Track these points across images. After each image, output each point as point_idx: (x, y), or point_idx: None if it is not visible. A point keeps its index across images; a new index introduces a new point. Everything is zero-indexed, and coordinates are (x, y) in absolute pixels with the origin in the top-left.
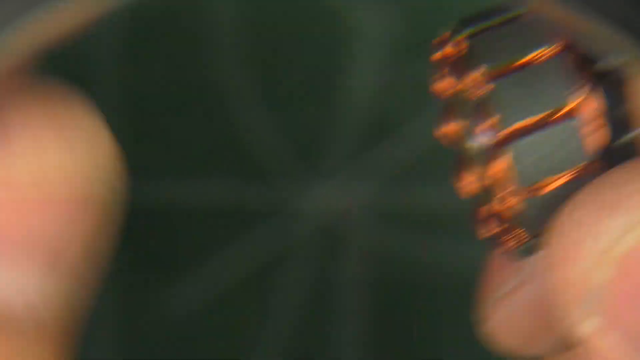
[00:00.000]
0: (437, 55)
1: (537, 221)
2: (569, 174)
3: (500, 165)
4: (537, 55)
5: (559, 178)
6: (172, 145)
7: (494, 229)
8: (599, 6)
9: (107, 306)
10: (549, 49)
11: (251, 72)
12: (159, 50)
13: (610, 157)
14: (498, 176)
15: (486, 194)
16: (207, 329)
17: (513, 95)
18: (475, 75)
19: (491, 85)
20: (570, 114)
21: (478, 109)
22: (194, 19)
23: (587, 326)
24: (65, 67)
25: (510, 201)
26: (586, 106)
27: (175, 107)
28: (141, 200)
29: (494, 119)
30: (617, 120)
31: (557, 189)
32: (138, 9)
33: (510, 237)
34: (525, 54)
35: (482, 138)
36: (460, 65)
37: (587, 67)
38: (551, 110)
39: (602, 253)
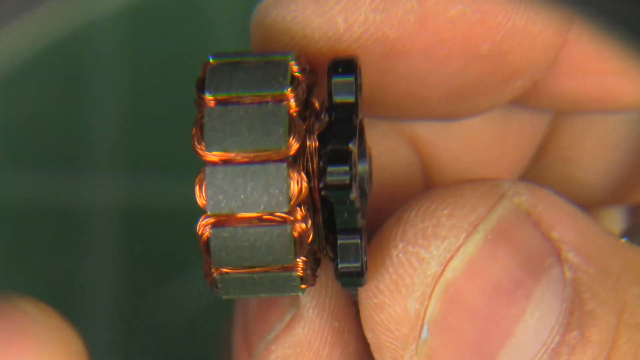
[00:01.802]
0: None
1: (225, 255)
2: (260, 216)
3: (198, 186)
4: (264, 95)
5: (251, 216)
6: (172, 144)
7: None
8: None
9: (107, 306)
10: (279, 94)
11: None
12: (158, 50)
13: (320, 202)
14: (199, 200)
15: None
16: (207, 328)
17: (221, 124)
18: (201, 99)
19: (205, 111)
20: (279, 156)
21: (197, 130)
22: (193, 19)
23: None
24: (66, 66)
25: (202, 229)
26: (299, 149)
27: (175, 106)
28: (140, 201)
29: (200, 143)
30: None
31: (249, 227)
32: (138, 8)
33: (206, 266)
34: (252, 92)
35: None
36: (198, 89)
37: (312, 116)
38: (261, 149)
39: (425, 287)
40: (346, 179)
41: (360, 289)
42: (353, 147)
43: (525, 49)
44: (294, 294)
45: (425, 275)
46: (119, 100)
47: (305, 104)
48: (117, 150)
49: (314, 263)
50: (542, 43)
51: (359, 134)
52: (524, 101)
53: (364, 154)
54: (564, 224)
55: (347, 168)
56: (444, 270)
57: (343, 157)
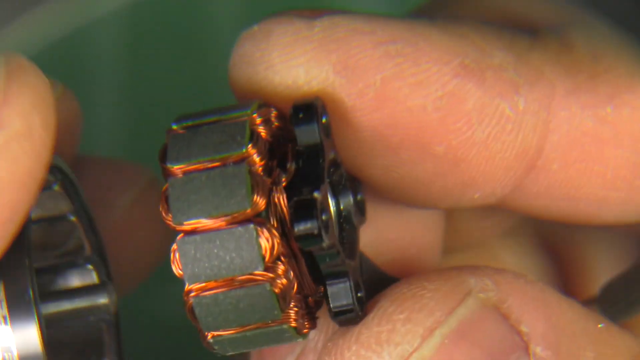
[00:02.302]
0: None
1: (212, 320)
2: (235, 281)
3: (172, 259)
4: (223, 159)
5: (223, 284)
6: None
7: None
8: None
9: None
10: (238, 154)
11: None
12: (158, 50)
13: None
14: (175, 271)
15: None
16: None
17: (185, 193)
18: (164, 169)
19: (169, 182)
20: (247, 218)
21: (163, 201)
22: (193, 19)
23: None
24: (65, 66)
25: (185, 297)
26: (268, 211)
27: (175, 106)
28: None
29: (167, 214)
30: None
31: (229, 290)
32: (138, 8)
33: (200, 331)
34: (212, 157)
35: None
36: (161, 159)
37: (279, 166)
38: (227, 212)
39: None
40: (314, 230)
41: None
42: (318, 194)
43: (482, 163)
44: (293, 341)
45: None
46: (119, 100)
47: (272, 154)
48: (118, 150)
49: (310, 307)
50: (503, 162)
51: (336, 170)
52: (498, 205)
53: (346, 189)
54: (534, 315)
55: (313, 220)
56: None
57: (308, 209)
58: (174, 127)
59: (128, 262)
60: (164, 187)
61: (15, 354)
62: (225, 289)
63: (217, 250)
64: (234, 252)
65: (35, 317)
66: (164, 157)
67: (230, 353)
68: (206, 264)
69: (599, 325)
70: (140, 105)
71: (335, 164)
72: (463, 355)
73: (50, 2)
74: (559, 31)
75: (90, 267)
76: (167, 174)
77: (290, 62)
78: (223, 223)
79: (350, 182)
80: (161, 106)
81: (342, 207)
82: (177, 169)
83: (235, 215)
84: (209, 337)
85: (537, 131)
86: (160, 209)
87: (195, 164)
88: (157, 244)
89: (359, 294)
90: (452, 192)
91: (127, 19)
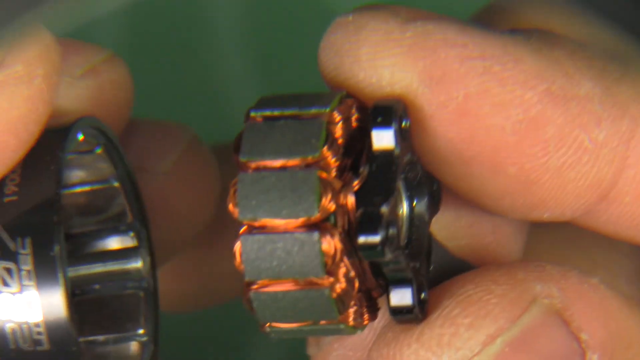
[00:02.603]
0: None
1: (269, 314)
2: (295, 283)
3: (235, 251)
4: (296, 160)
5: (282, 283)
6: None
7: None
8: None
9: None
10: (311, 157)
11: (251, 72)
12: (158, 50)
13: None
14: (236, 263)
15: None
16: (203, 330)
17: (253, 192)
18: (237, 161)
19: (239, 177)
20: (313, 224)
21: (232, 193)
22: (194, 20)
23: None
24: None
25: (244, 289)
26: (336, 212)
27: (176, 105)
28: None
29: (235, 208)
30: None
31: (288, 291)
32: (138, 8)
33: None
34: (285, 157)
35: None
36: (235, 148)
37: (351, 169)
38: (291, 217)
39: None
40: (377, 245)
41: None
42: (386, 208)
43: (554, 189)
44: (351, 335)
45: None
46: None
47: (349, 151)
48: None
49: (372, 299)
50: (575, 190)
51: (412, 169)
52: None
53: (422, 185)
54: (595, 323)
55: (376, 235)
56: None
57: (373, 223)
58: (252, 114)
59: (169, 229)
60: (234, 180)
61: (40, 310)
62: (284, 288)
63: (279, 252)
64: (296, 256)
65: (61, 275)
66: (238, 148)
67: (285, 339)
68: (267, 264)
69: None
70: (140, 104)
71: (412, 163)
72: None
73: (50, 2)
74: None
75: (131, 234)
76: (238, 167)
77: (377, 61)
78: (288, 226)
79: (427, 177)
80: (161, 106)
81: (415, 204)
82: (249, 164)
83: (301, 220)
84: (266, 326)
85: (614, 165)
86: (228, 200)
87: (267, 161)
88: (199, 211)
89: (422, 296)
90: (521, 210)
91: (127, 19)
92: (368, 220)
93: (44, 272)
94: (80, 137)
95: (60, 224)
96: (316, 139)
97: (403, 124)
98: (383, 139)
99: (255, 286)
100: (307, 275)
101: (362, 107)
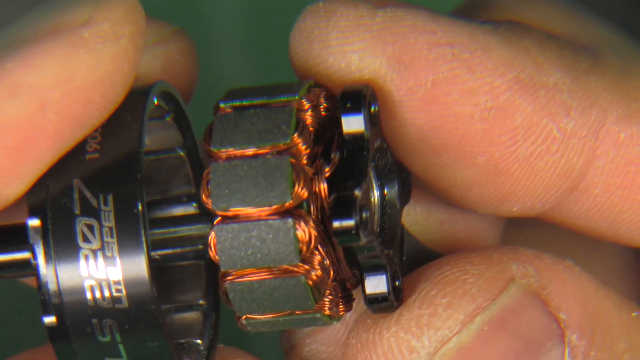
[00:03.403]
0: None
1: (246, 305)
2: (270, 271)
3: (209, 243)
4: (267, 148)
5: (258, 272)
6: None
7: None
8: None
9: None
10: (282, 144)
11: (251, 72)
12: None
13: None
14: (211, 254)
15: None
16: None
17: (226, 181)
18: (208, 151)
19: (211, 167)
20: (286, 210)
21: (204, 184)
22: (193, 19)
23: None
24: None
25: (220, 280)
26: (308, 199)
27: None
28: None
29: (208, 199)
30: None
31: (263, 280)
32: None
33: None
34: (256, 145)
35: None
36: (205, 139)
37: (322, 156)
38: (266, 204)
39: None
40: (352, 229)
41: (346, 358)
42: (359, 192)
43: (523, 179)
44: (326, 325)
45: None
46: None
47: (318, 138)
48: None
49: (346, 289)
50: (545, 181)
51: (382, 155)
52: (537, 218)
53: (392, 172)
54: (573, 303)
55: (350, 219)
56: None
57: (347, 207)
58: (222, 105)
59: None
60: (207, 171)
61: (120, 268)
62: (260, 277)
63: (254, 240)
64: (271, 243)
65: (143, 233)
66: (208, 138)
67: (262, 331)
68: (242, 253)
69: (633, 314)
70: None
71: (382, 150)
72: (501, 343)
73: (49, 2)
74: (619, 54)
75: (194, 204)
76: (210, 157)
77: (346, 46)
78: (262, 214)
79: (397, 165)
80: None
81: (386, 192)
82: (221, 153)
83: (275, 207)
84: (242, 318)
85: (583, 155)
86: (202, 191)
87: (238, 150)
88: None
89: (396, 283)
90: (490, 202)
91: None
92: (342, 205)
93: (125, 230)
94: (155, 101)
95: (142, 182)
96: (287, 126)
97: (372, 109)
98: (353, 124)
99: (230, 277)
100: (282, 263)
101: (330, 96)
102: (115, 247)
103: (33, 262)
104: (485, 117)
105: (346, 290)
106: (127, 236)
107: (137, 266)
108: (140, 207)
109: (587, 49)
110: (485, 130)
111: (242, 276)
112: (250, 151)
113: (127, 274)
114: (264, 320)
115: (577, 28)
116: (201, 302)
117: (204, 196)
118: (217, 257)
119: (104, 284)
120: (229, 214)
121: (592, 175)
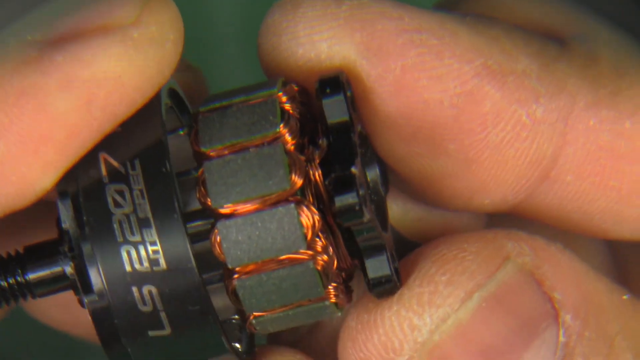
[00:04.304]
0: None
1: (255, 302)
2: (278, 262)
3: (213, 242)
4: (257, 139)
5: (268, 261)
6: None
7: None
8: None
9: None
10: (272, 134)
11: (250, 72)
12: None
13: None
14: (216, 252)
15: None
16: None
17: (222, 177)
18: (198, 153)
19: (204, 166)
20: (286, 197)
21: (200, 186)
22: (193, 19)
23: None
24: None
25: (227, 281)
26: (304, 188)
27: None
28: None
29: (206, 198)
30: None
31: (271, 271)
32: None
33: (240, 313)
34: (246, 138)
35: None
36: (193, 142)
37: (310, 143)
38: (265, 194)
39: (414, 353)
40: (355, 204)
41: (346, 339)
42: (355, 169)
43: (494, 167)
44: (333, 317)
45: (415, 342)
46: None
47: (301, 131)
48: None
49: (345, 280)
50: (516, 169)
51: (362, 143)
52: (510, 212)
53: (372, 160)
54: (567, 283)
55: (354, 195)
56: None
57: (348, 184)
58: (202, 110)
59: None
60: (200, 171)
61: (155, 228)
62: (268, 270)
63: (259, 231)
64: (276, 232)
65: (174, 190)
66: (196, 141)
67: (270, 331)
68: (248, 246)
69: (624, 297)
70: None
71: (362, 137)
72: (498, 320)
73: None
74: (587, 42)
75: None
76: (201, 158)
77: (314, 35)
78: (263, 204)
79: (376, 154)
80: None
81: (369, 179)
82: (211, 152)
83: (275, 195)
84: (251, 317)
85: (553, 142)
86: (198, 194)
87: (229, 146)
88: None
89: (395, 265)
90: (462, 194)
91: None
92: (342, 183)
93: (156, 189)
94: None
95: (167, 143)
96: (273, 116)
97: (348, 93)
98: (335, 108)
99: (238, 274)
100: (289, 250)
101: (303, 90)
102: (147, 207)
103: (64, 247)
104: (454, 103)
105: (345, 281)
106: (158, 195)
107: (172, 224)
108: (168, 166)
109: (554, 39)
110: (455, 116)
111: (249, 272)
112: (241, 145)
113: (162, 232)
114: (272, 317)
115: (550, 14)
116: None
117: (201, 197)
118: (223, 256)
119: (140, 246)
120: (230, 209)
121: (563, 162)
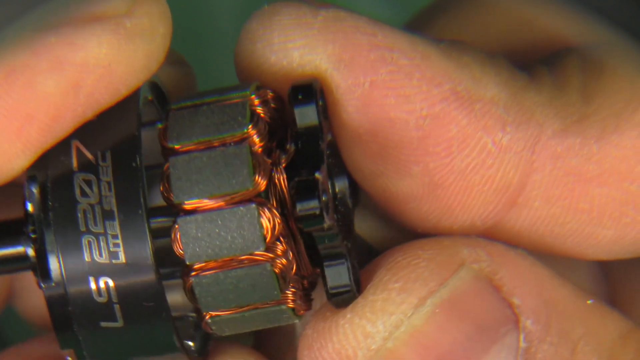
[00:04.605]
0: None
1: (212, 300)
2: (236, 261)
3: (173, 238)
4: (225, 138)
5: (227, 261)
6: None
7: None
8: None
9: None
10: (240, 134)
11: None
12: None
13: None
14: (175, 248)
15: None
16: None
17: (186, 173)
18: (165, 148)
19: (170, 161)
20: (248, 198)
21: (164, 180)
22: (193, 19)
23: None
24: None
25: (184, 277)
26: (267, 183)
27: None
28: None
29: (169, 193)
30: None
31: (229, 270)
32: None
33: (197, 311)
34: (213, 136)
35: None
36: (161, 137)
37: (278, 147)
38: (228, 192)
39: (370, 355)
40: (316, 210)
41: (303, 347)
42: (319, 175)
43: (459, 193)
44: (289, 322)
45: (368, 349)
46: None
47: (270, 135)
48: None
49: (305, 288)
50: (481, 196)
51: (332, 153)
52: (483, 235)
53: (342, 171)
54: (526, 289)
55: (315, 200)
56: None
57: (310, 189)
58: (173, 107)
59: None
60: (165, 166)
61: (118, 221)
62: (226, 268)
63: (219, 229)
64: (236, 231)
65: (141, 185)
66: (165, 136)
67: (227, 334)
68: (207, 244)
69: (588, 302)
70: None
71: (332, 146)
72: (453, 326)
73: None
74: (555, 68)
75: None
76: (167, 153)
77: (287, 43)
78: (224, 203)
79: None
80: None
81: (337, 190)
82: (178, 148)
83: (237, 194)
84: (207, 317)
85: (519, 169)
86: (161, 188)
87: (196, 143)
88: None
89: (356, 275)
90: (428, 218)
91: None
92: (304, 188)
93: (124, 183)
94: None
95: (140, 138)
96: (242, 117)
97: (320, 102)
98: (305, 114)
99: (195, 271)
100: (247, 250)
101: (276, 97)
102: (113, 200)
103: (28, 228)
104: (420, 125)
105: (306, 290)
106: (125, 189)
107: (135, 219)
108: (139, 161)
109: (523, 70)
110: (420, 138)
111: (207, 269)
112: (208, 142)
113: (125, 227)
114: (228, 317)
115: (534, 31)
116: None
117: (164, 192)
118: (181, 252)
119: (101, 238)
120: (192, 205)
121: (531, 188)
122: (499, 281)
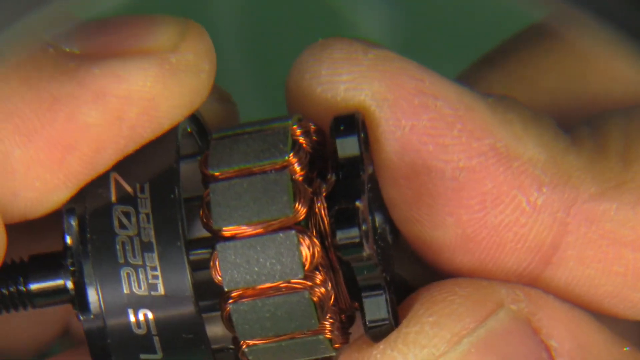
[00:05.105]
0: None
1: (248, 328)
2: (274, 288)
3: (212, 265)
4: (265, 165)
5: (267, 287)
6: None
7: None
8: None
9: None
10: (280, 161)
11: (251, 71)
12: None
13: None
14: (214, 275)
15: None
16: None
17: (226, 199)
18: (205, 176)
19: (210, 188)
20: (288, 225)
21: (204, 207)
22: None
23: None
24: None
25: (223, 304)
26: (307, 211)
27: None
28: None
29: (209, 220)
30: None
31: (267, 297)
32: (137, 7)
33: (234, 340)
34: (254, 163)
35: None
36: (202, 165)
37: (319, 177)
38: (268, 219)
39: None
40: (356, 238)
41: None
42: (360, 204)
43: (492, 248)
44: (326, 355)
45: None
46: None
47: (311, 166)
48: None
49: (343, 322)
50: (515, 253)
51: (372, 187)
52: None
53: (383, 206)
54: (563, 332)
55: (355, 228)
56: None
57: (350, 217)
58: (215, 136)
59: None
60: (205, 192)
61: (157, 253)
62: (264, 296)
63: (257, 256)
64: (274, 258)
65: (180, 217)
66: (205, 164)
67: None
68: (246, 270)
69: (625, 349)
70: None
71: (373, 180)
72: None
73: (50, 2)
74: (597, 131)
75: None
76: (208, 180)
77: (334, 76)
78: (263, 229)
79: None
80: None
81: (377, 224)
82: (218, 175)
83: (277, 221)
84: (244, 346)
85: (553, 230)
86: (201, 214)
87: (236, 170)
88: None
89: (395, 308)
90: (461, 271)
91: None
92: (345, 216)
93: (162, 214)
94: (188, 129)
95: (179, 170)
96: (284, 145)
97: (362, 134)
98: (347, 145)
99: (233, 298)
100: (286, 277)
101: (318, 130)
102: (152, 232)
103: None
104: (456, 176)
105: (344, 323)
106: (163, 221)
107: (174, 251)
108: (177, 193)
109: (567, 131)
110: (455, 189)
111: (245, 296)
112: (248, 169)
113: (164, 258)
114: (265, 346)
115: (582, 88)
116: None
117: (204, 218)
118: (220, 279)
119: (140, 270)
120: (231, 232)
121: (565, 248)
122: (538, 322)
